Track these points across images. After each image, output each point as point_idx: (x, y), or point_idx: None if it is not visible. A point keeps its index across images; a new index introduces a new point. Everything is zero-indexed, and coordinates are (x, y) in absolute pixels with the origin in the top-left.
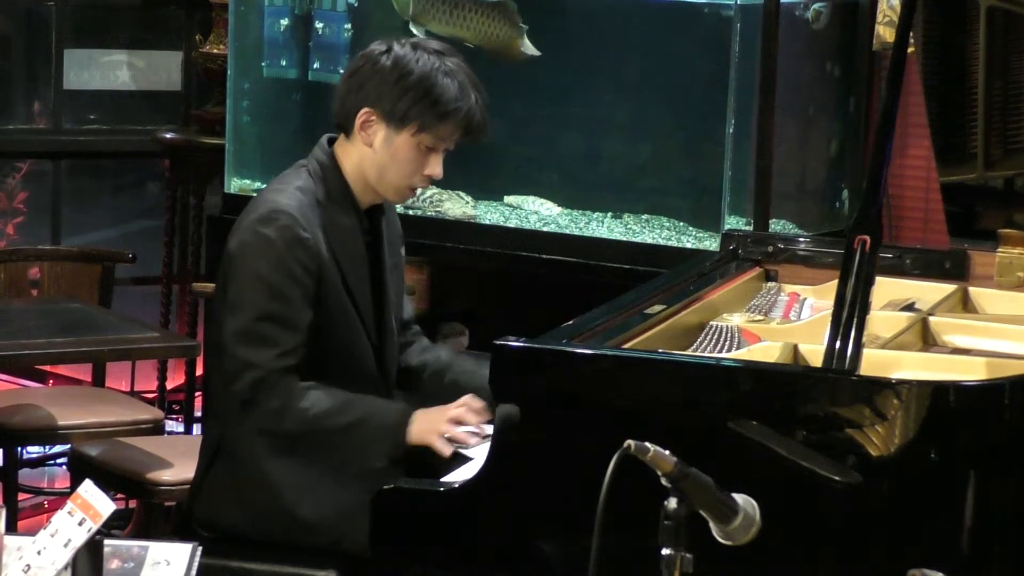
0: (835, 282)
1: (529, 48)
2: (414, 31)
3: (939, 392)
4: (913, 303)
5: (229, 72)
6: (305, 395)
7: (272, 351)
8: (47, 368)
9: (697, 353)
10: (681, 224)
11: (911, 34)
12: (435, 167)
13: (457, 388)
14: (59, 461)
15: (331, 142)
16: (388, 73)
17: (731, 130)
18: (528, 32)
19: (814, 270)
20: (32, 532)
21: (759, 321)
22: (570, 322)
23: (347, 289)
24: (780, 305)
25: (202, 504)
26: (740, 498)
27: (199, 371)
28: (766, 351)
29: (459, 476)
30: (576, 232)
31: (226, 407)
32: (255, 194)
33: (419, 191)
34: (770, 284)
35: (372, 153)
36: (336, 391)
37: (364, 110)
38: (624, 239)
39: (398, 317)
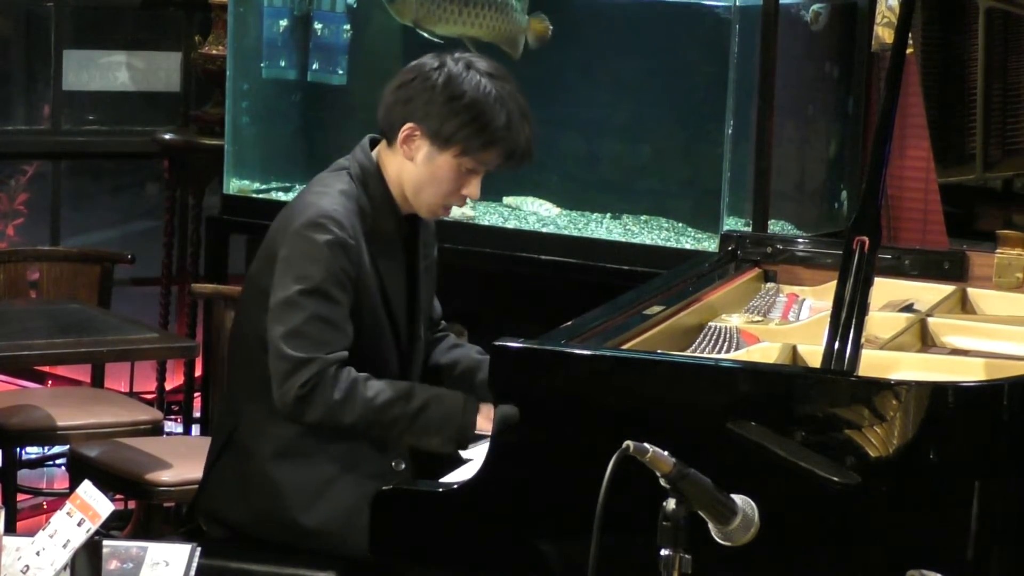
0: (834, 283)
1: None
2: (423, 34)
3: (938, 393)
4: (912, 304)
5: (228, 73)
6: (367, 384)
7: (325, 349)
8: (46, 369)
9: (696, 354)
10: (680, 225)
11: (910, 35)
12: (474, 189)
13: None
14: (58, 462)
15: (372, 143)
16: (439, 92)
17: (730, 131)
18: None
19: (813, 271)
20: (31, 533)
21: (758, 322)
22: (569, 323)
23: (384, 296)
24: (779, 306)
25: (207, 497)
26: (739, 499)
27: (198, 372)
28: (765, 352)
29: (458, 477)
30: (575, 233)
31: (240, 404)
32: (253, 194)
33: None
34: (769, 285)
35: (413, 167)
36: (392, 381)
37: (409, 124)
38: (623, 240)
39: (427, 318)
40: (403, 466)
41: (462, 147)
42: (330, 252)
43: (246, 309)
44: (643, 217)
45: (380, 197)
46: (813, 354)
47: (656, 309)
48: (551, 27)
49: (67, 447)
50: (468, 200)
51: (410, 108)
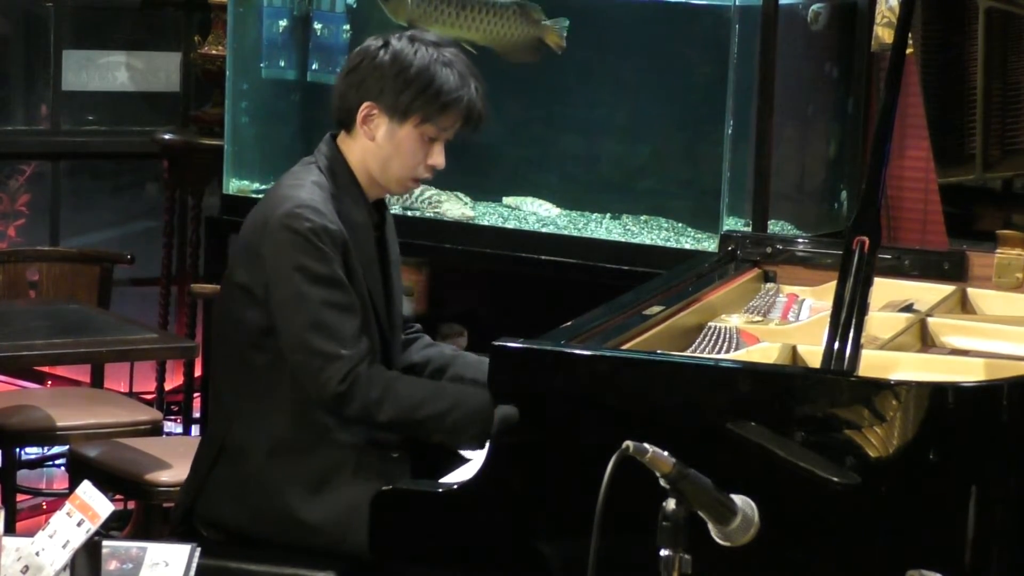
0: (834, 283)
1: (554, 43)
2: None
3: (937, 393)
4: (912, 304)
5: (228, 73)
6: (400, 382)
7: (346, 338)
8: (46, 369)
9: (696, 354)
10: (680, 225)
11: (910, 35)
12: (438, 157)
13: (460, 383)
14: (58, 462)
15: (333, 138)
16: (388, 67)
17: (730, 131)
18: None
19: (813, 271)
20: (31, 533)
21: (758, 322)
22: (569, 323)
23: (363, 282)
24: (779, 306)
25: (206, 502)
26: (739, 499)
27: (198, 372)
28: (765, 352)
29: (458, 477)
30: (575, 233)
31: (231, 405)
32: (253, 194)
33: (418, 190)
34: (769, 285)
35: (375, 147)
36: (420, 379)
37: (366, 104)
38: (623, 240)
39: (400, 312)
40: (396, 454)
41: (421, 115)
42: (317, 238)
43: (227, 310)
44: (643, 217)
45: (349, 185)
46: (813, 354)
47: (656, 309)
48: (565, 34)
49: (67, 447)
50: (438, 187)
51: (364, 89)
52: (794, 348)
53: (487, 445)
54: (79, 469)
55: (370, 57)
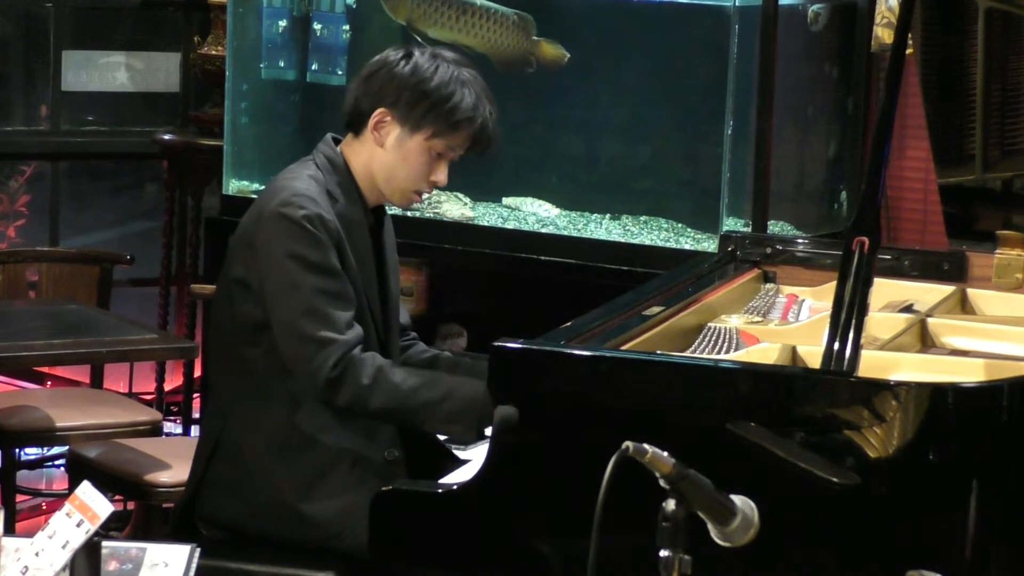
0: (834, 283)
1: (549, 56)
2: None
3: (937, 394)
4: (911, 304)
5: (227, 73)
6: (393, 370)
7: (340, 325)
8: (45, 369)
9: (695, 355)
10: (679, 225)
11: (909, 35)
12: (441, 175)
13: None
14: (57, 463)
15: (336, 142)
16: (407, 78)
17: (729, 131)
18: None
19: (812, 271)
20: (30, 534)
21: (757, 322)
22: (568, 324)
23: (358, 278)
24: (778, 306)
25: (204, 499)
26: (738, 499)
27: (197, 372)
28: (764, 352)
29: (457, 478)
30: (574, 234)
31: (226, 402)
32: (252, 195)
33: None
34: (768, 285)
35: (383, 153)
36: (414, 369)
37: (380, 110)
38: (622, 240)
39: (397, 314)
40: (396, 454)
41: (433, 129)
42: (312, 226)
43: (222, 306)
44: (642, 218)
45: (346, 183)
46: (813, 355)
47: (655, 310)
48: (567, 55)
49: (66, 448)
50: (438, 189)
51: (380, 95)
52: (794, 348)
53: (485, 443)
54: (79, 469)
55: (390, 65)
